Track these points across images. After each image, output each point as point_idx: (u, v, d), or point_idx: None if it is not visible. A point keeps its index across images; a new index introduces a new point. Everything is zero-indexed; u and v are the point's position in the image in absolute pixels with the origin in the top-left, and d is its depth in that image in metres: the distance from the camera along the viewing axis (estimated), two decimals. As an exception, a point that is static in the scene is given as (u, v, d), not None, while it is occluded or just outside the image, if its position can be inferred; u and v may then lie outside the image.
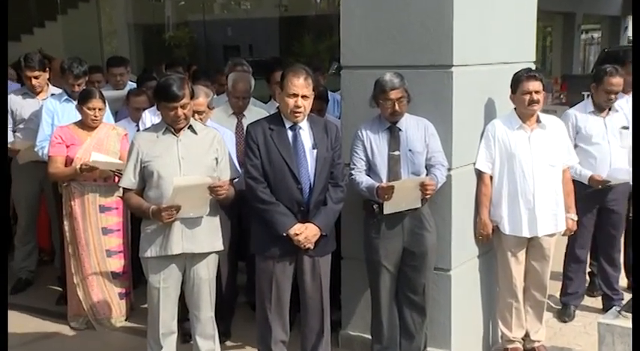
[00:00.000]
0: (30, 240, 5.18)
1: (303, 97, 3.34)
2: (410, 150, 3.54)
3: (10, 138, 4.95)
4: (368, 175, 3.58)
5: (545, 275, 3.94)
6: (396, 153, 3.53)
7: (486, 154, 3.84)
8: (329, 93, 4.87)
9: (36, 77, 4.85)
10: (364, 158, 3.59)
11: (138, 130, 4.64)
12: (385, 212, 3.46)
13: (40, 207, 5.20)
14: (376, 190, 3.43)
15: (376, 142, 3.57)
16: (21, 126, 4.95)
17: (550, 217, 3.81)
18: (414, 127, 3.57)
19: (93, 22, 12.53)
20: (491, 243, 3.95)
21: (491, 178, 3.85)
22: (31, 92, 4.93)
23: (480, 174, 3.86)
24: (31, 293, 5.05)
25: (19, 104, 4.93)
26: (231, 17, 16.67)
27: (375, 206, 3.53)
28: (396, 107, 3.48)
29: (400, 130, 3.57)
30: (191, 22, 16.26)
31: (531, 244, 3.88)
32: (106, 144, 4.24)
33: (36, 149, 4.62)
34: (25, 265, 5.17)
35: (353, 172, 3.60)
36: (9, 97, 5.00)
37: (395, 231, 3.55)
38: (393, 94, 3.47)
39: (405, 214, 3.53)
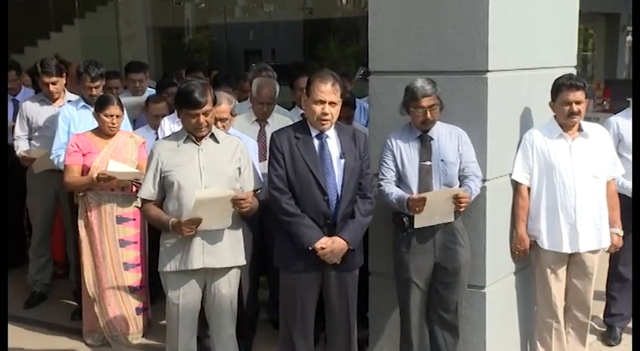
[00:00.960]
0: (44, 252, 5.24)
1: (330, 103, 3.36)
2: (442, 160, 3.53)
3: (26, 146, 5.04)
4: (398, 187, 3.58)
5: (587, 294, 3.88)
6: (428, 163, 3.53)
7: (524, 165, 3.81)
8: (356, 100, 4.89)
9: (53, 83, 4.92)
10: (394, 168, 3.59)
11: (157, 138, 4.70)
12: (416, 226, 3.46)
13: (56, 218, 5.26)
14: (407, 202, 3.42)
15: (406, 152, 3.57)
16: (37, 134, 5.03)
17: (593, 232, 3.76)
18: (447, 136, 3.56)
19: (111, 26, 12.72)
20: (528, 259, 3.91)
21: (528, 190, 3.82)
22: (48, 99, 5.01)
23: (516, 186, 3.83)
24: (45, 308, 5.12)
25: (35, 111, 5.02)
26: (253, 20, 16.80)
27: (405, 219, 3.52)
28: (428, 115, 3.48)
29: (432, 139, 3.56)
30: (212, 25, 16.43)
31: (572, 261, 3.84)
32: (123, 152, 4.29)
33: (51, 158, 4.68)
34: (39, 279, 5.23)
35: (382, 183, 3.60)
36: (24, 104, 5.10)
37: (426, 246, 3.54)
38: (425, 102, 3.47)
39: (436, 228, 3.52)
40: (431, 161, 3.53)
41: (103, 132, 4.30)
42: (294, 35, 15.78)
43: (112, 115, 4.24)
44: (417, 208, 3.38)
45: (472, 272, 3.64)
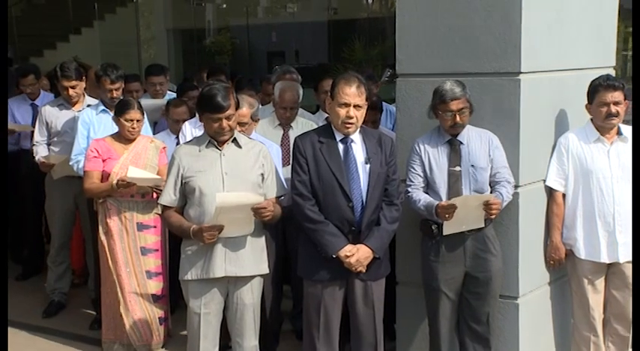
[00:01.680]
0: (63, 260, 5.30)
1: (355, 107, 3.38)
2: (472, 165, 3.53)
3: (45, 152, 5.11)
4: (426, 193, 3.59)
5: (628, 306, 3.83)
6: (457, 168, 3.53)
7: (559, 170, 3.79)
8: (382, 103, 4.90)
9: (72, 87, 4.98)
10: (422, 174, 3.60)
11: (178, 143, 4.76)
12: (445, 233, 3.46)
13: (74, 225, 5.34)
14: (435, 208, 3.43)
15: (435, 157, 3.57)
16: (56, 139, 5.10)
17: (633, 241, 3.73)
18: (477, 140, 3.56)
19: (131, 28, 12.91)
20: (564, 268, 3.89)
21: (564, 196, 3.79)
22: (67, 103, 5.08)
23: (551, 192, 3.81)
24: (64, 317, 5.18)
25: (54, 116, 5.09)
26: (276, 21, 16.90)
27: (433, 226, 3.53)
28: (457, 119, 3.49)
29: (461, 143, 3.56)
30: (233, 26, 16.56)
31: (611, 271, 3.80)
32: (143, 158, 4.33)
33: (71, 163, 4.74)
34: (58, 287, 5.29)
35: (409, 189, 3.61)
36: (44, 108, 5.16)
37: (456, 254, 3.54)
38: (454, 105, 3.47)
39: (466, 236, 3.52)
40: (460, 167, 3.53)
41: (122, 137, 4.35)
42: (319, 36, 15.84)
43: (132, 120, 4.28)
44: (447, 216, 3.38)
45: (504, 282, 3.63)
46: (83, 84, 5.09)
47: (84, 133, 4.75)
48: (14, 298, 5.40)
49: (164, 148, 4.44)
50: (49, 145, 5.14)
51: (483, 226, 3.51)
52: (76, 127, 4.81)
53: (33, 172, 5.40)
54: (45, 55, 11.41)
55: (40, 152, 5.12)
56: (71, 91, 5.00)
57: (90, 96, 5.22)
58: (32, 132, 5.37)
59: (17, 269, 6.02)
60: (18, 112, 5.85)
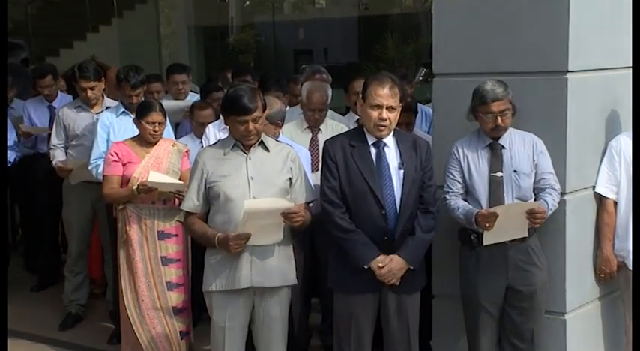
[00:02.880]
0: (81, 270, 5.36)
1: (388, 108, 3.40)
2: (515, 171, 3.52)
3: (62, 156, 5.19)
4: (465, 200, 3.59)
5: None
6: (499, 174, 3.52)
7: (610, 176, 3.77)
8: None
9: (91, 88, 5.05)
10: (460, 180, 3.60)
11: (202, 147, 4.80)
12: (485, 243, 3.45)
13: (93, 233, 5.40)
14: (475, 217, 3.42)
15: (474, 162, 3.57)
16: (74, 142, 5.17)
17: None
18: (520, 144, 3.55)
19: (151, 26, 13.02)
20: (616, 282, 3.85)
21: (615, 204, 3.76)
22: (86, 105, 5.15)
23: (601, 200, 3.79)
24: (81, 330, 5.25)
25: (72, 118, 5.16)
26: (304, 18, 16.92)
27: (473, 236, 3.53)
28: (499, 121, 3.48)
29: (503, 147, 3.56)
30: (258, 23, 16.63)
31: (666, 285, 3.76)
32: (165, 162, 4.37)
33: (90, 168, 4.79)
34: (75, 298, 5.36)
35: (447, 196, 3.61)
36: (61, 110, 5.24)
37: (497, 265, 3.53)
38: (496, 106, 3.47)
39: (508, 246, 3.51)
40: (502, 172, 3.52)
41: (144, 140, 4.39)
42: (349, 33, 15.84)
43: (153, 123, 4.32)
44: (487, 225, 3.37)
45: (550, 296, 3.61)
46: (102, 85, 5.16)
47: (103, 137, 4.80)
48: (29, 309, 5.53)
49: (187, 151, 4.48)
50: (66, 149, 5.21)
51: (527, 236, 3.49)
52: (94, 130, 4.85)
53: (49, 178, 5.47)
54: (61, 55, 11.56)
55: (58, 156, 5.18)
56: (90, 93, 5.06)
57: (109, 97, 5.29)
58: (49, 135, 5.45)
59: (33, 279, 6.11)
60: (35, 115, 5.95)
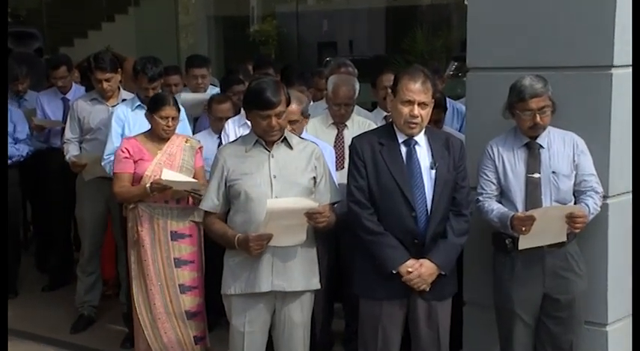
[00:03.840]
0: (94, 269, 5.39)
1: (420, 104, 3.38)
2: (554, 172, 3.49)
3: (76, 151, 5.22)
4: (499, 203, 3.56)
5: None
6: (536, 175, 3.49)
7: (655, 179, 3.72)
8: (447, 100, 4.88)
9: (107, 80, 5.07)
10: (495, 181, 3.58)
11: (219, 143, 4.82)
12: (520, 247, 3.43)
13: (106, 232, 5.43)
14: (510, 220, 3.40)
15: (510, 162, 3.55)
16: (88, 136, 5.20)
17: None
18: (560, 144, 3.52)
19: (169, 15, 13.08)
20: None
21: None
22: (101, 97, 5.18)
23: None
24: (93, 333, 5.28)
25: (86, 111, 5.19)
26: (328, 8, 16.92)
27: (508, 241, 3.51)
28: (538, 119, 3.45)
29: (541, 146, 3.53)
30: (280, 14, 16.65)
31: None
32: (179, 159, 4.35)
33: (103, 163, 4.81)
34: (88, 300, 5.39)
35: (480, 197, 3.60)
36: (75, 103, 5.28)
37: (533, 272, 3.50)
38: (534, 103, 3.44)
39: (546, 252, 3.48)
40: (540, 173, 3.49)
41: (156, 136, 4.37)
42: (375, 25, 15.80)
43: (167, 117, 4.30)
44: (523, 229, 3.35)
45: (590, 306, 3.58)
46: (118, 76, 5.18)
47: (118, 131, 4.82)
48: (40, 311, 5.58)
49: (200, 148, 4.47)
50: (80, 143, 5.24)
51: (565, 241, 3.46)
52: (109, 124, 4.87)
53: (63, 173, 5.52)
54: (75, 45, 11.66)
55: (71, 151, 5.22)
56: (105, 85, 5.09)
57: (125, 90, 5.31)
58: (63, 128, 5.50)
59: (44, 279, 6.17)
60: (48, 107, 6.00)
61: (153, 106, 4.35)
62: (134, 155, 4.33)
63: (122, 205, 4.53)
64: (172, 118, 4.33)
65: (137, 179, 4.31)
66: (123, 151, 4.35)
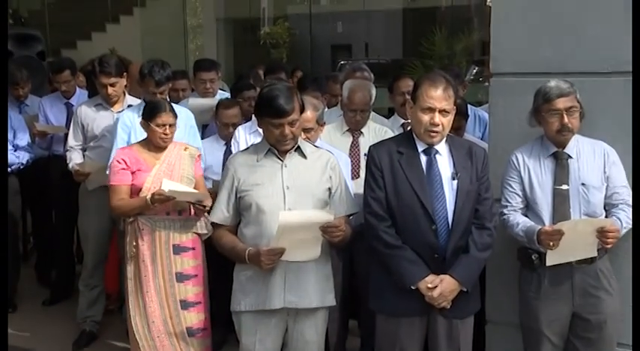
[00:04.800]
0: (97, 283, 5.39)
1: (441, 112, 3.37)
2: (583, 184, 3.48)
3: (79, 158, 5.23)
4: (525, 216, 3.55)
5: None
6: (564, 187, 3.48)
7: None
8: (468, 107, 4.87)
9: (112, 85, 5.08)
10: (520, 193, 3.57)
11: (227, 150, 4.82)
12: (548, 263, 3.41)
13: (110, 243, 5.43)
14: (537, 234, 3.39)
15: (537, 173, 3.53)
16: (92, 144, 5.21)
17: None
18: (589, 154, 3.51)
19: (176, 17, 13.18)
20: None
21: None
22: (106, 103, 5.19)
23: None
24: (96, 349, 5.25)
25: (90, 118, 5.20)
26: (342, 9, 17.00)
27: (534, 256, 3.49)
28: (565, 120, 3.44)
29: (570, 156, 3.52)
30: (292, 15, 16.74)
31: None
32: (178, 168, 4.32)
33: (108, 172, 4.81)
34: (90, 315, 5.38)
35: (505, 210, 3.58)
36: (79, 109, 5.29)
37: (561, 290, 3.48)
38: (561, 103, 3.43)
39: (575, 268, 3.46)
40: (568, 185, 3.48)
41: (153, 144, 4.35)
42: (392, 27, 15.86)
43: (163, 125, 4.28)
44: (551, 243, 3.33)
45: (623, 328, 3.53)
46: (124, 81, 5.19)
47: (124, 138, 4.82)
48: (41, 326, 5.58)
49: (199, 155, 4.45)
50: (84, 150, 5.25)
51: (596, 257, 3.44)
52: (114, 131, 4.88)
53: (65, 182, 5.50)
54: (78, 47, 11.74)
55: (74, 159, 5.22)
56: (110, 90, 5.10)
57: (131, 95, 5.32)
58: (66, 135, 5.51)
59: (44, 293, 6.16)
60: (51, 112, 6.02)
61: (148, 113, 4.31)
62: (131, 166, 4.30)
63: (120, 219, 4.49)
64: (169, 126, 4.30)
65: (135, 191, 4.28)
66: (119, 162, 4.31)
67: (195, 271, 4.30)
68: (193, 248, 4.30)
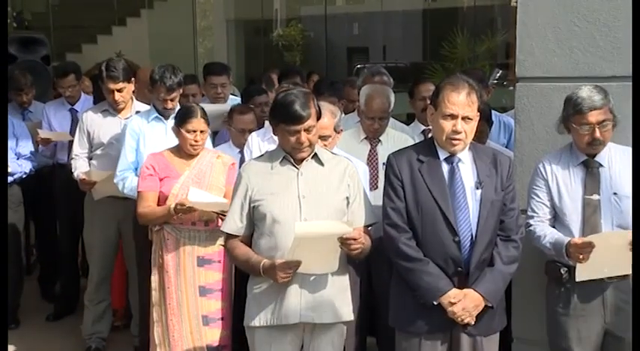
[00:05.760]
0: (103, 298, 5.41)
1: (464, 119, 3.37)
2: (615, 193, 3.47)
3: (85, 167, 5.25)
4: (553, 227, 3.54)
5: None
6: (595, 197, 3.48)
7: None
8: (492, 112, 4.87)
9: (119, 90, 5.11)
10: (548, 203, 3.57)
11: (241, 158, 4.84)
12: (578, 279, 3.40)
13: (117, 257, 5.44)
14: (566, 247, 3.38)
15: (565, 182, 3.53)
16: (98, 151, 5.23)
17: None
18: (622, 162, 3.51)
19: (185, 18, 13.23)
20: None
21: None
22: (113, 109, 5.22)
23: None
24: (102, 368, 5.32)
25: (97, 124, 5.22)
26: (359, 10, 17.02)
27: (563, 270, 3.48)
28: (597, 134, 3.44)
29: (601, 165, 3.51)
30: (306, 17, 16.79)
31: None
32: (208, 177, 4.38)
33: (115, 181, 4.85)
34: (96, 331, 5.39)
35: (531, 221, 3.57)
36: (85, 115, 5.31)
37: (592, 306, 3.48)
38: (593, 116, 3.43)
39: (606, 283, 3.46)
40: (599, 195, 3.48)
41: (183, 151, 4.41)
42: (411, 29, 15.88)
43: (195, 131, 4.34)
44: (581, 257, 3.33)
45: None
46: (132, 87, 5.22)
47: (132, 146, 4.86)
48: (45, 343, 5.60)
49: (233, 164, 4.48)
50: (90, 158, 5.27)
51: (630, 272, 3.40)
52: (122, 138, 4.91)
53: (70, 192, 5.55)
54: (84, 51, 11.83)
55: (80, 167, 5.24)
56: (117, 95, 5.12)
57: (139, 100, 5.35)
58: (70, 142, 5.54)
59: (48, 308, 6.19)
60: (55, 119, 6.06)
61: (180, 118, 4.37)
62: (160, 172, 4.36)
63: (140, 228, 4.55)
64: (201, 132, 4.35)
65: (163, 199, 4.33)
66: (147, 168, 4.38)
67: (219, 285, 4.34)
68: (219, 261, 4.34)
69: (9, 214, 5.34)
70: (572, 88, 3.50)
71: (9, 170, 5.50)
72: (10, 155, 5.67)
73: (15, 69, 6.71)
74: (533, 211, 3.58)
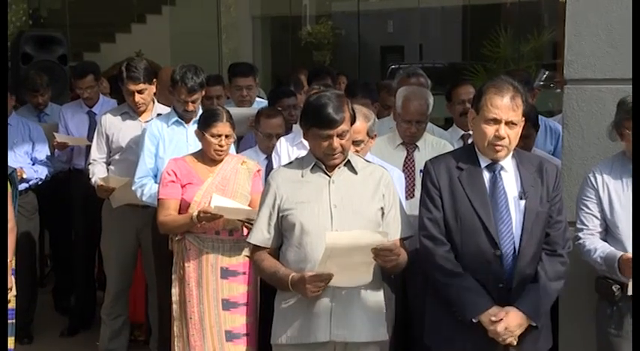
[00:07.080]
0: (121, 312, 5.44)
1: (507, 124, 3.37)
2: (671, 205, 3.45)
3: (103, 172, 5.29)
4: (604, 241, 3.53)
5: None
6: (649, 209, 3.45)
7: None
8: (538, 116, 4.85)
9: (140, 92, 5.15)
10: (599, 215, 3.56)
11: (269, 164, 4.87)
12: (630, 292, 3.39)
13: (135, 268, 5.49)
14: (618, 262, 3.37)
15: (618, 192, 3.52)
16: (117, 156, 5.29)
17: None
18: (678, 171, 3.48)
19: (209, 15, 13.26)
20: None
21: None
22: (133, 112, 5.26)
23: None
24: (119, 385, 5.37)
25: (116, 128, 5.27)
26: (394, 7, 16.98)
27: (615, 287, 3.47)
28: (652, 141, 3.42)
29: (656, 174, 3.49)
30: (336, 13, 16.79)
31: None
32: (233, 183, 4.40)
33: (134, 188, 4.89)
34: (114, 348, 5.42)
35: (581, 234, 3.57)
36: (103, 117, 5.35)
37: (646, 327, 3.44)
38: (648, 121, 3.41)
39: (661, 302, 3.42)
40: (654, 206, 3.45)
41: (207, 157, 4.44)
42: (450, 26, 15.84)
43: (219, 135, 4.35)
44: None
45: None
46: (153, 88, 5.26)
47: (151, 150, 4.90)
48: (58, 358, 5.67)
49: (259, 170, 4.51)
50: (108, 164, 5.32)
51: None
52: (142, 142, 4.95)
53: (87, 199, 5.62)
54: (102, 50, 11.91)
55: (98, 173, 5.28)
56: (138, 97, 5.16)
57: (161, 103, 5.39)
58: (88, 147, 5.59)
59: (63, 322, 6.24)
60: (72, 122, 6.11)
61: (204, 122, 4.39)
62: (182, 178, 4.38)
63: (161, 237, 4.56)
64: (226, 136, 4.37)
65: (185, 206, 4.35)
66: (169, 174, 4.40)
67: (244, 298, 4.35)
68: (244, 273, 4.35)
69: (23, 223, 5.39)
70: (625, 91, 3.49)
71: (24, 176, 5.55)
72: (26, 160, 5.74)
73: (31, 69, 6.79)
74: (583, 224, 3.57)
